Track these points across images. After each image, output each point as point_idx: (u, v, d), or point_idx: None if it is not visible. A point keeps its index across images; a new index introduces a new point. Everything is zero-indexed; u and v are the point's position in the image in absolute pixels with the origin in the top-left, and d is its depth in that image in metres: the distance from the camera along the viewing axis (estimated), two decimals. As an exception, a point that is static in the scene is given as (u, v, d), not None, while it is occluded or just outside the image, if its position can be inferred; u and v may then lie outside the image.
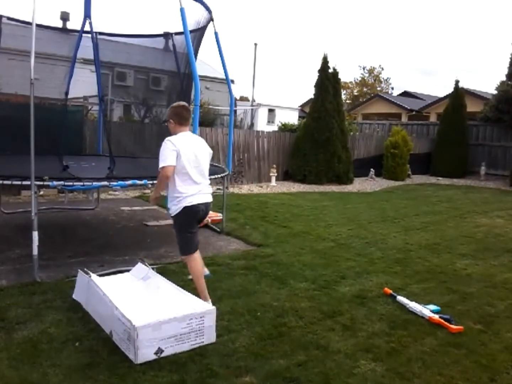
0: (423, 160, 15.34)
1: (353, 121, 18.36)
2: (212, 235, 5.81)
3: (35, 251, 3.81)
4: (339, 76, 12.05)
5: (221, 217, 6.10)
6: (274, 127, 17.18)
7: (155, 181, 4.65)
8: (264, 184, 11.18)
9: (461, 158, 14.86)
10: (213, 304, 3.10)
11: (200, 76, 4.58)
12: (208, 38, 5.77)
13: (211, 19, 5.53)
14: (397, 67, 64.48)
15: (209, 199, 3.47)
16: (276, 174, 11.37)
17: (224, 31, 20.03)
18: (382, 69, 45.39)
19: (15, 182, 3.92)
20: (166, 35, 6.85)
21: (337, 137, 11.58)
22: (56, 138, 5.62)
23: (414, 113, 23.31)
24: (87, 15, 5.60)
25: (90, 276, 3.31)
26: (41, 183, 3.84)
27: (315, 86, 11.85)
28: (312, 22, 70.09)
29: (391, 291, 3.89)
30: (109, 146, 4.90)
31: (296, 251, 5.15)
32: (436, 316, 3.38)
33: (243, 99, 29.77)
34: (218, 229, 6.00)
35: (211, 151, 3.58)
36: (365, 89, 42.98)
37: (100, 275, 3.62)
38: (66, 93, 6.15)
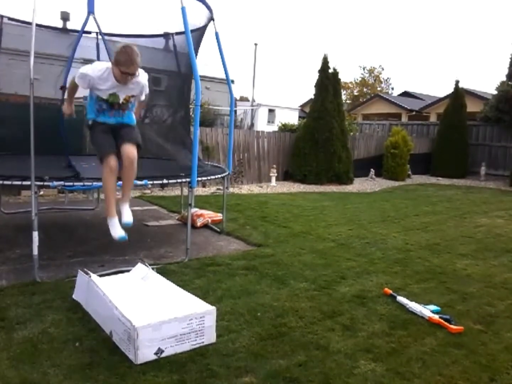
0: (423, 160, 15.34)
1: (353, 121, 18.36)
2: (212, 235, 5.81)
3: (35, 251, 3.80)
4: (339, 76, 12.06)
5: (221, 217, 6.10)
6: (274, 127, 17.19)
7: (155, 181, 4.68)
8: (264, 184, 11.18)
9: (461, 158, 14.86)
10: (213, 304, 3.09)
11: (200, 76, 4.56)
12: (208, 38, 5.77)
13: (212, 19, 5.52)
14: (397, 67, 64.53)
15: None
16: (276, 174, 11.37)
17: (224, 31, 20.04)
18: (382, 69, 45.54)
19: (15, 182, 3.92)
20: (167, 35, 6.84)
21: (337, 137, 11.58)
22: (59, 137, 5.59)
23: (414, 113, 23.34)
24: (91, 11, 5.51)
25: (90, 276, 3.30)
26: (41, 183, 3.84)
27: (315, 86, 11.85)
28: (312, 22, 70.14)
29: (391, 291, 3.89)
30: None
31: (296, 251, 5.15)
32: (436, 316, 3.38)
33: (243, 99, 29.80)
34: (218, 229, 6.01)
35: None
36: (365, 89, 43.02)
37: (100, 275, 3.62)
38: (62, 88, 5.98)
